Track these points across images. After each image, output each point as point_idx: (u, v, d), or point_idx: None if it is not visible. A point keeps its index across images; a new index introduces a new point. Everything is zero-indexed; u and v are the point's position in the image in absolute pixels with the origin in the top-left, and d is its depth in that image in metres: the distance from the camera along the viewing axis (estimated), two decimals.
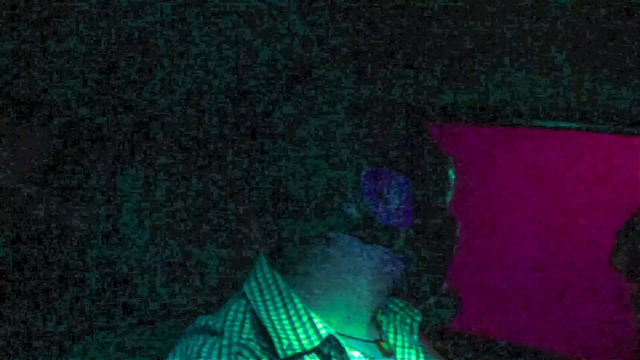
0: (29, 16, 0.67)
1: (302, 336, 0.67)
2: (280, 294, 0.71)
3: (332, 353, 0.68)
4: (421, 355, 0.80)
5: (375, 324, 0.80)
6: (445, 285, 0.81)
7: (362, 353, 0.71)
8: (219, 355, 0.61)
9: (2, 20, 0.68)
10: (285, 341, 0.66)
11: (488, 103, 0.91)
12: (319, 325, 0.69)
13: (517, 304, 2.60)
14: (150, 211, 0.96)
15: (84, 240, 0.93)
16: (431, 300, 0.82)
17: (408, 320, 0.83)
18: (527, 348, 1.88)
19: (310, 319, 0.69)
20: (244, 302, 0.71)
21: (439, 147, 0.79)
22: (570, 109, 0.89)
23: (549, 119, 0.93)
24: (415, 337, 0.81)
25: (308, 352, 0.67)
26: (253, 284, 0.73)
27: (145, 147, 0.94)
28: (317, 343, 0.67)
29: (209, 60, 0.82)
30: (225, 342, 0.63)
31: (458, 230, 0.81)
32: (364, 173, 0.71)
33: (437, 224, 0.77)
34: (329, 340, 0.68)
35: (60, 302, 0.93)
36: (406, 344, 0.80)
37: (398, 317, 0.83)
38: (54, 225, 0.90)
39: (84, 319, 0.94)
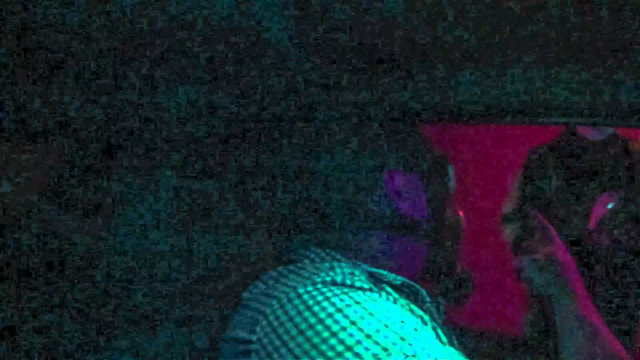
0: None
1: (391, 277, 0.77)
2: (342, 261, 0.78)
3: (408, 290, 0.78)
4: (453, 336, 0.86)
5: None
6: (459, 268, 0.90)
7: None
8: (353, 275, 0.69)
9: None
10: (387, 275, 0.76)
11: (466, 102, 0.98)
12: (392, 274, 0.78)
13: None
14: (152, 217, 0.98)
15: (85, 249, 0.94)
16: (449, 282, 0.89)
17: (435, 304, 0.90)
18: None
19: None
20: (327, 262, 0.76)
21: (435, 147, 0.90)
22: (535, 105, 0.95)
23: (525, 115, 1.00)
24: (443, 317, 0.89)
25: (399, 286, 0.77)
26: (317, 259, 0.78)
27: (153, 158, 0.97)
28: (399, 281, 0.77)
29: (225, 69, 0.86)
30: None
31: (462, 220, 0.91)
32: (384, 177, 0.81)
33: (447, 215, 0.87)
34: (405, 284, 0.78)
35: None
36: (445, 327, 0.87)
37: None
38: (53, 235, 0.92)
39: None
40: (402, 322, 0.63)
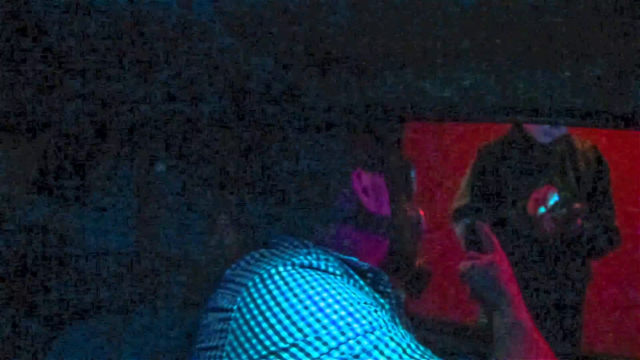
0: None
1: (360, 263, 0.84)
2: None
3: (371, 275, 0.85)
4: (411, 329, 0.94)
5: None
6: (418, 262, 0.99)
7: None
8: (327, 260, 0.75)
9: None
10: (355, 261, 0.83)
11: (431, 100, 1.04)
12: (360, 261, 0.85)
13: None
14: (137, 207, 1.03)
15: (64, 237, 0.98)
16: (408, 275, 0.97)
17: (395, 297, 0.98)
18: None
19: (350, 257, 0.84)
20: (304, 250, 0.82)
21: (399, 150, 0.99)
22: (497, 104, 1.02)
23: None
24: (402, 310, 0.97)
25: (366, 270, 0.84)
26: (288, 246, 0.85)
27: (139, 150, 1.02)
28: (365, 267, 0.84)
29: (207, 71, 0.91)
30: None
31: (422, 218, 1.00)
32: (350, 175, 0.89)
33: (408, 213, 0.96)
34: (370, 269, 0.85)
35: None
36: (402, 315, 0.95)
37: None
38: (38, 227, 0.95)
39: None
40: (366, 303, 0.71)
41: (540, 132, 2.07)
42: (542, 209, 1.92)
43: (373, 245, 0.91)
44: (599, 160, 2.10)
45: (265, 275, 0.72)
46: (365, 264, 0.85)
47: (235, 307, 0.72)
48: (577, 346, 2.10)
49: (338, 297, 0.69)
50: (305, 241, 0.85)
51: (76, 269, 1.00)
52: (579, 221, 1.91)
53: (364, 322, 0.67)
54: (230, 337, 0.70)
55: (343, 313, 0.67)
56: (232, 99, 1.01)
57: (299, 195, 0.87)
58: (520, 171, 2.06)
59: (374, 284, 0.86)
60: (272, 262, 0.75)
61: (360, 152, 0.91)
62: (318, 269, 0.74)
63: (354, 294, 0.72)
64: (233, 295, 0.74)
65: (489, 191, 2.06)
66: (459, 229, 2.10)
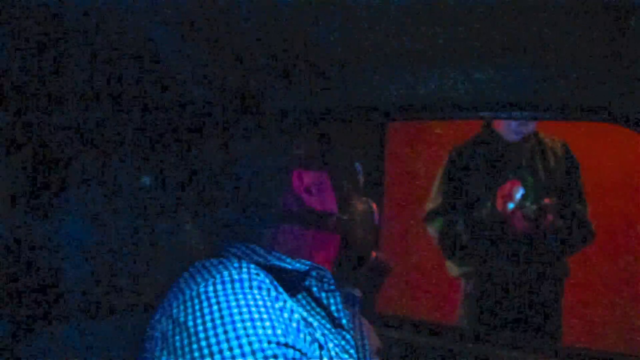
0: None
1: (297, 264, 0.86)
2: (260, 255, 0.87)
3: (316, 274, 0.87)
4: (363, 327, 0.97)
5: None
6: (374, 255, 1.00)
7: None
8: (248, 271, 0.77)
9: None
10: (287, 265, 0.85)
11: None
12: (302, 260, 0.87)
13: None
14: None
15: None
16: (364, 269, 0.98)
17: (350, 296, 1.00)
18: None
19: (292, 257, 0.87)
20: (235, 260, 0.82)
21: (342, 145, 0.99)
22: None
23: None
24: (356, 308, 0.99)
25: (303, 273, 0.86)
26: (234, 255, 0.87)
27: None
28: (306, 267, 0.86)
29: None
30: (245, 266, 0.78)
31: (376, 212, 1.01)
32: (291, 177, 0.90)
33: (358, 208, 0.97)
34: (313, 267, 0.87)
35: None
36: (351, 315, 0.96)
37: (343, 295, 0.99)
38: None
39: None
40: (277, 319, 0.72)
41: (509, 131, 2.11)
42: (511, 205, 1.94)
43: (322, 242, 0.92)
44: (569, 157, 2.14)
45: (187, 297, 0.74)
46: (307, 264, 0.87)
47: (169, 319, 0.74)
48: (557, 340, 2.12)
49: (250, 316, 0.71)
50: (253, 246, 0.87)
51: (42, 276, 1.00)
52: (550, 217, 1.93)
53: (272, 338, 0.69)
54: (160, 348, 0.72)
55: (251, 329, 0.69)
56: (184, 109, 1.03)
57: (241, 199, 0.89)
58: (491, 170, 2.09)
59: (321, 284, 0.88)
60: (198, 279, 0.77)
61: (298, 151, 0.93)
62: (241, 284, 0.75)
63: (270, 309, 0.73)
64: (170, 306, 0.76)
65: (461, 192, 2.08)
66: (432, 230, 2.12)
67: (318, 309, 0.87)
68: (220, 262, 0.81)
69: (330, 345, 0.81)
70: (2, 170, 0.92)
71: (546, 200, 1.92)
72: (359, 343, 0.93)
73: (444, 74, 0.96)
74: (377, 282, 1.02)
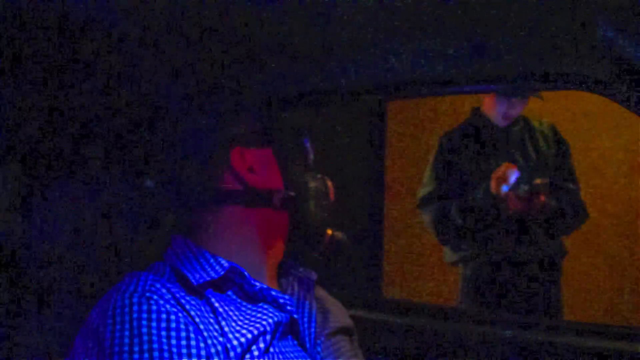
0: None
1: (209, 269, 0.84)
2: (191, 251, 0.87)
3: (237, 279, 0.85)
4: (313, 310, 0.93)
5: (276, 282, 0.94)
6: (329, 233, 0.98)
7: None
8: (136, 285, 0.77)
9: None
10: (197, 274, 0.83)
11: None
12: (223, 261, 0.85)
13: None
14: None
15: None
16: (319, 246, 0.96)
17: (305, 281, 0.97)
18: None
19: (215, 258, 0.85)
20: (161, 263, 0.86)
21: (292, 121, 0.98)
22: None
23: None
24: (311, 292, 0.96)
25: (216, 280, 0.83)
26: (170, 251, 0.88)
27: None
28: (222, 272, 0.83)
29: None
30: (141, 283, 0.78)
31: (331, 189, 0.98)
32: (228, 155, 0.88)
33: (308, 184, 0.94)
34: (232, 269, 0.84)
35: None
36: (302, 298, 0.93)
37: (297, 278, 0.97)
38: None
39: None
40: (171, 335, 0.74)
41: (498, 116, 2.15)
42: (505, 188, 1.97)
43: (269, 221, 0.90)
44: (558, 138, 2.17)
45: (111, 306, 0.76)
46: (226, 263, 0.84)
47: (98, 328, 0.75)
48: (558, 316, 2.14)
49: (148, 330, 0.73)
50: (195, 248, 0.87)
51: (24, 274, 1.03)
52: (542, 197, 1.96)
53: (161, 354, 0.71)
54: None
55: (145, 341, 0.72)
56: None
57: (181, 181, 0.89)
58: (482, 154, 2.12)
59: (246, 284, 0.85)
60: (122, 289, 0.77)
61: (237, 129, 0.90)
62: (148, 301, 0.75)
63: (169, 325, 0.74)
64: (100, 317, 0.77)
65: (452, 177, 2.11)
66: (426, 217, 2.14)
67: (245, 303, 0.85)
68: (119, 286, 0.79)
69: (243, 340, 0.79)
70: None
71: (537, 181, 1.95)
72: (305, 326, 0.90)
73: (418, 49, 0.96)
74: (336, 259, 1.00)
